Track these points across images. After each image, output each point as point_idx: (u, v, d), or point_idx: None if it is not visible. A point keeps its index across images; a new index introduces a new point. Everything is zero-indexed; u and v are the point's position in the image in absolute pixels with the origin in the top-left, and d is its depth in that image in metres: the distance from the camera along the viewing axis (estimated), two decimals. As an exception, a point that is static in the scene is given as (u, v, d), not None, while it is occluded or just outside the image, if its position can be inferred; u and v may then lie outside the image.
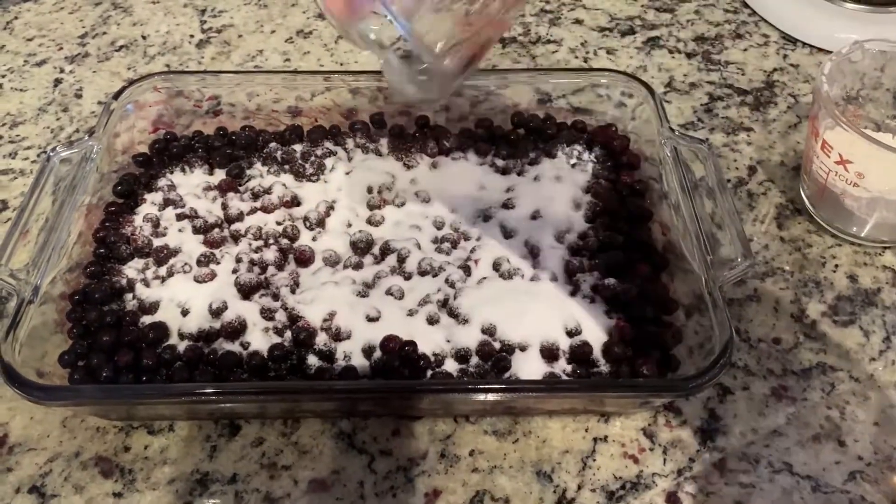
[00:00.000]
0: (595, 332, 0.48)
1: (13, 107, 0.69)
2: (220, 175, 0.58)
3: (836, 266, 0.56)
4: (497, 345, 0.47)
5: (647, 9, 0.80)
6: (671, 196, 0.53)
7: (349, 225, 0.55)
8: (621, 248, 0.52)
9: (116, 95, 0.58)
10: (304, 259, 0.51)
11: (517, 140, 0.60)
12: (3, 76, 0.72)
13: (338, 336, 0.47)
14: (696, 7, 0.80)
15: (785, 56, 0.74)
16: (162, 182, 0.56)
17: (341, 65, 0.73)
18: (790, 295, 0.54)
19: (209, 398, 0.42)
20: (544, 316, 0.48)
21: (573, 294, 0.50)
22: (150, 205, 0.55)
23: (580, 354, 0.46)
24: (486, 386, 0.42)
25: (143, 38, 0.76)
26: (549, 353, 0.46)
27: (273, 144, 0.59)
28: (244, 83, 0.61)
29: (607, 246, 0.52)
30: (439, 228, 0.55)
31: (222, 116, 0.63)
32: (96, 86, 0.71)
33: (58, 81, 0.71)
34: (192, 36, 0.77)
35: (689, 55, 0.74)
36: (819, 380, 0.50)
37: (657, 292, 0.50)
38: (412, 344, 0.46)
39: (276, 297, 0.49)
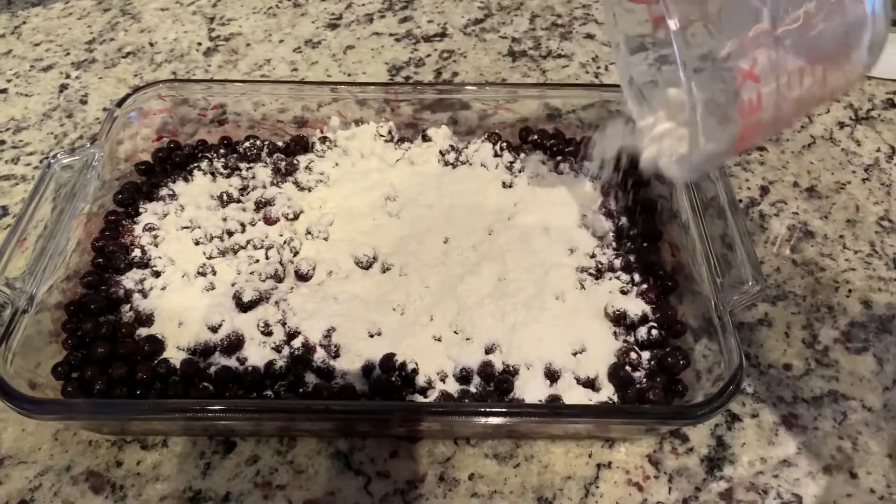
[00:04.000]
0: (601, 354, 0.46)
1: (18, 112, 0.68)
2: (222, 184, 0.57)
3: (850, 291, 0.55)
4: (500, 365, 0.45)
5: (660, 24, 0.79)
6: (681, 215, 0.52)
7: (352, 237, 0.54)
8: (629, 269, 0.51)
9: (120, 103, 0.57)
10: (305, 273, 0.50)
11: (525, 156, 0.59)
12: (10, 81, 0.72)
13: (337, 353, 0.46)
14: (710, 23, 0.79)
15: (799, 75, 0.73)
16: (163, 191, 0.55)
17: (349, 75, 0.72)
18: (802, 320, 0.53)
19: (203, 415, 0.41)
20: (549, 335, 0.47)
21: (579, 313, 0.48)
22: (150, 214, 0.54)
23: (585, 377, 0.45)
24: (486, 410, 0.41)
25: (151, 45, 0.76)
26: (553, 375, 0.45)
27: (277, 155, 0.58)
28: (250, 92, 0.60)
29: (615, 265, 0.51)
30: (445, 241, 0.53)
31: (227, 126, 0.62)
32: (102, 92, 0.70)
33: (63, 87, 0.71)
34: (199, 44, 0.76)
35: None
36: (831, 408, 0.48)
37: (666, 315, 0.48)
38: (413, 363, 0.45)
39: (274, 311, 0.48)
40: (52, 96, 0.70)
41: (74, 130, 0.67)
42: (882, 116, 0.57)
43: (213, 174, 0.58)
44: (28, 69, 0.73)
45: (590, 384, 0.45)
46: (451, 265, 0.51)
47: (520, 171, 0.58)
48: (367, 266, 0.51)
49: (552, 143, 0.60)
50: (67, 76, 0.72)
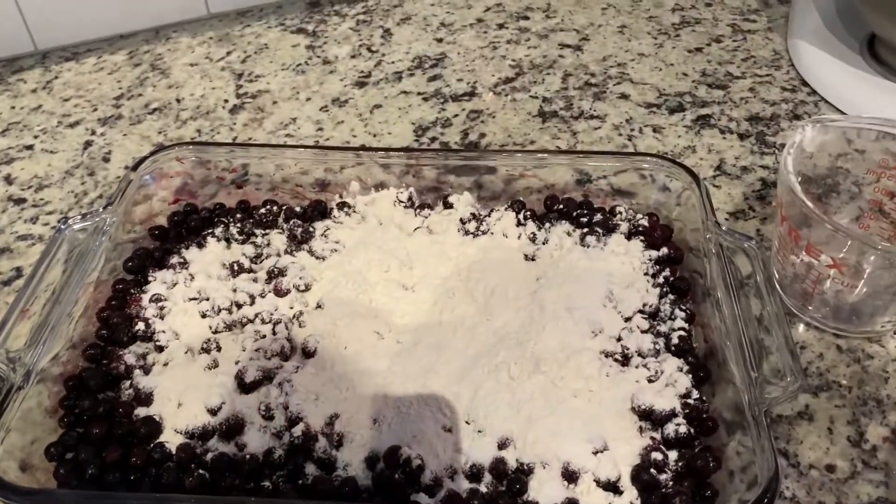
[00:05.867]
0: (624, 453, 0.43)
1: (41, 169, 0.68)
2: (236, 252, 0.55)
3: (901, 382, 0.50)
4: (513, 463, 0.42)
5: (699, 84, 0.76)
6: (715, 294, 0.49)
7: (364, 312, 0.51)
8: (658, 355, 0.48)
9: (135, 167, 0.56)
10: (312, 350, 0.48)
11: (550, 226, 0.57)
12: (37, 137, 0.72)
13: (340, 442, 0.43)
14: (752, 84, 0.76)
15: (849, 141, 0.69)
16: (174, 259, 0.54)
17: (374, 135, 0.71)
18: (847, 414, 0.49)
19: (193, 511, 0.39)
20: (569, 430, 0.43)
21: (602, 405, 0.45)
22: (159, 283, 0.52)
23: (606, 479, 0.41)
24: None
25: (178, 101, 0.75)
26: (571, 476, 0.42)
27: (294, 221, 0.57)
28: (271, 156, 0.59)
29: (644, 350, 0.48)
30: (460, 320, 0.51)
31: (247, 188, 0.60)
32: (125, 150, 0.70)
33: (88, 144, 0.71)
34: (226, 101, 0.75)
35: (741, 136, 0.70)
36: (880, 518, 0.44)
37: (696, 410, 0.45)
38: (419, 458, 0.42)
39: (277, 393, 0.46)
40: (77, 153, 0.70)
41: (94, 189, 0.66)
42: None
43: (227, 240, 0.56)
44: (55, 125, 0.73)
45: (611, 487, 0.42)
46: (465, 347, 0.48)
47: (543, 243, 0.55)
48: (376, 345, 0.49)
49: (579, 213, 0.57)
50: (93, 132, 0.72)
